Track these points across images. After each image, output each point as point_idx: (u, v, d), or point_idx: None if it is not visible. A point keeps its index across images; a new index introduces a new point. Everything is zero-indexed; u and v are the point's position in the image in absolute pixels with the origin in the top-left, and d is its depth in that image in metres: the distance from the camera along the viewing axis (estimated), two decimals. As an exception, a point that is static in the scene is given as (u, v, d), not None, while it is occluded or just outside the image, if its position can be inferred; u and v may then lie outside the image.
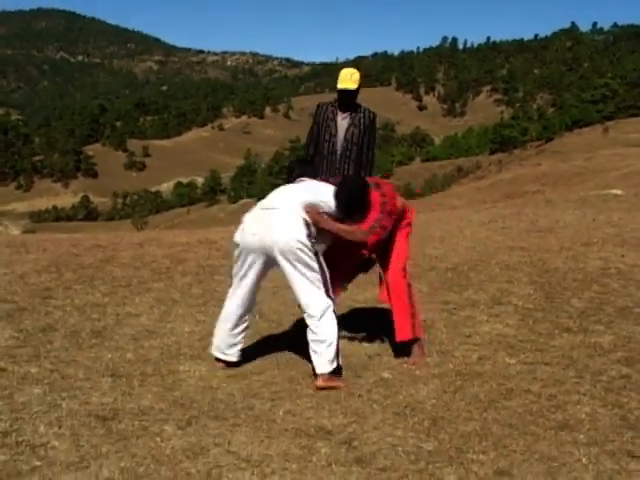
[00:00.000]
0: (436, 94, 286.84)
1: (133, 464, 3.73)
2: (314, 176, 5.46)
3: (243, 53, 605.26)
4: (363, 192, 5.23)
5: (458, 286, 7.76)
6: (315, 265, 4.92)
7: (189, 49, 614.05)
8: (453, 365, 5.36)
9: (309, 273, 4.90)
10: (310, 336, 4.94)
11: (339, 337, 4.97)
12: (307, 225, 4.91)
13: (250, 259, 5.03)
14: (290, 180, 5.38)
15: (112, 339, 5.83)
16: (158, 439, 4.02)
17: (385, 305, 5.77)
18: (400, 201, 5.48)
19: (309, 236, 4.89)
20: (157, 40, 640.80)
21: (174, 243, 10.20)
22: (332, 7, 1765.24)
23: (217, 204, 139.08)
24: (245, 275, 5.10)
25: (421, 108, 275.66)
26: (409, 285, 5.55)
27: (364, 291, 7.32)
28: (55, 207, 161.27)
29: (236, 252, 5.12)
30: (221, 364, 5.29)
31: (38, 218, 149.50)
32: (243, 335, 5.30)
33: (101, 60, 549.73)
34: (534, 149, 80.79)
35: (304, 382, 5.00)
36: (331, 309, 4.93)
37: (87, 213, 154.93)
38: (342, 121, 6.64)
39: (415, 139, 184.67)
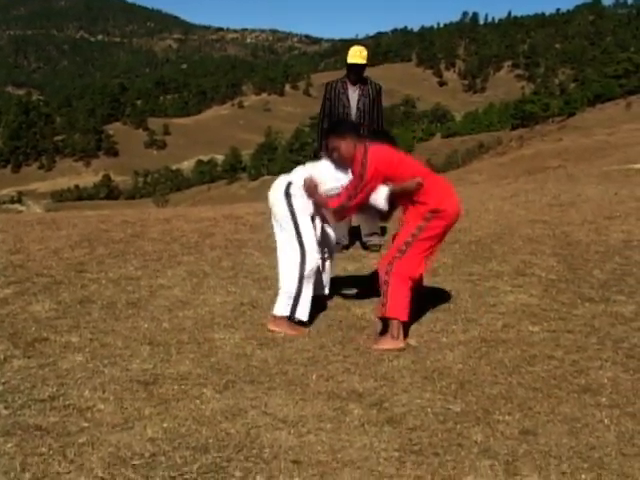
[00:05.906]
0: (457, 70, 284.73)
1: (175, 425, 3.92)
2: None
3: (262, 30, 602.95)
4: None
5: (482, 258, 7.87)
6: (290, 226, 5.50)
7: (208, 27, 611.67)
8: (478, 332, 5.51)
9: (286, 227, 5.52)
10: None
11: (302, 290, 5.52)
12: (287, 186, 5.54)
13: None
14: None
15: (147, 310, 6.01)
16: (197, 402, 4.21)
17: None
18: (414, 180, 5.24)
19: (287, 196, 5.50)
20: (176, 18, 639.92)
21: (201, 218, 10.34)
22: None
23: (237, 181, 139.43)
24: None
25: (442, 84, 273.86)
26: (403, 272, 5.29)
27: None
28: (77, 186, 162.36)
29: None
30: None
31: (60, 197, 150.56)
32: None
33: (121, 39, 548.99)
34: (556, 124, 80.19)
35: (335, 349, 5.16)
36: (298, 263, 5.50)
37: (109, 192, 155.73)
38: (353, 94, 7.57)
39: (436, 115, 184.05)
